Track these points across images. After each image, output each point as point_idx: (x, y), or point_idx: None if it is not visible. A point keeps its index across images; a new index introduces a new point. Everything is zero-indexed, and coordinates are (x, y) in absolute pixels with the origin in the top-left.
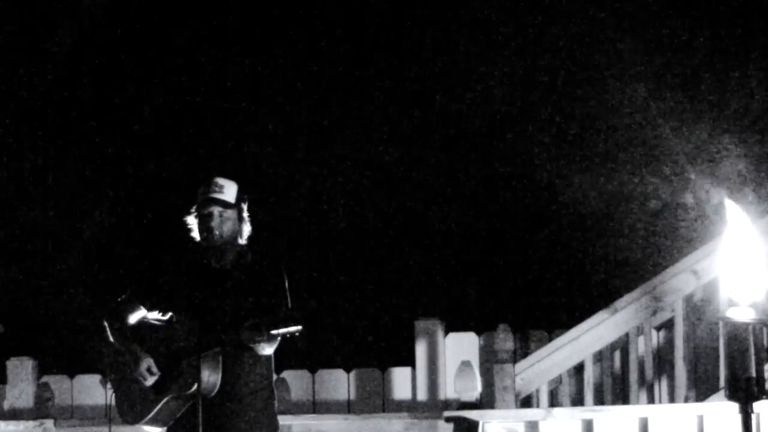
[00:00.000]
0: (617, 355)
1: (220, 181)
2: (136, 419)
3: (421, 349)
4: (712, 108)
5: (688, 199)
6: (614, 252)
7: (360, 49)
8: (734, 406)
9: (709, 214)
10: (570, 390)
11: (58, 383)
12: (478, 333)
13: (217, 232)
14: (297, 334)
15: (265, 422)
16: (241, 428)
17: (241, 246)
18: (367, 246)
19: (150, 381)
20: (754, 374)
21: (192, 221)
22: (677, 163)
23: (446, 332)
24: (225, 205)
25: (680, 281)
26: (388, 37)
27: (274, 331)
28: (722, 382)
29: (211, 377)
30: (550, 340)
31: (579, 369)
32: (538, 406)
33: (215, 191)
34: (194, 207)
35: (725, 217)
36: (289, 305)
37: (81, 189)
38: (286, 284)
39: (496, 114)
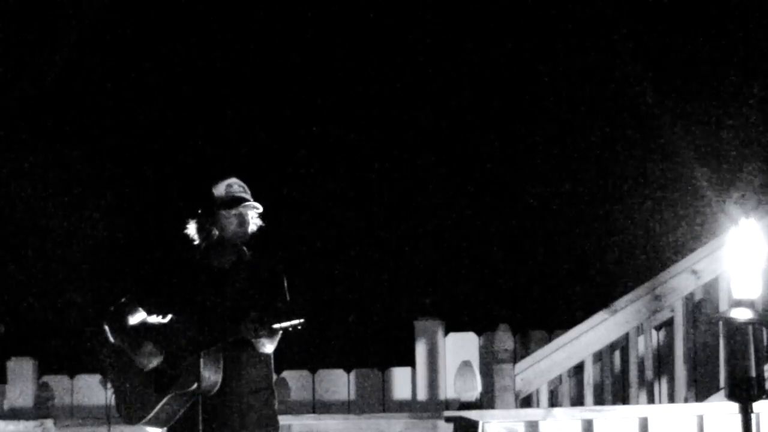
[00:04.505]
0: (617, 355)
1: (239, 181)
2: (136, 419)
3: (421, 349)
4: (716, 102)
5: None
6: (614, 252)
7: (361, 48)
8: (734, 406)
9: (728, 207)
10: (570, 390)
11: (58, 383)
12: (478, 333)
13: (248, 232)
14: (299, 327)
15: (265, 422)
16: (242, 428)
17: (241, 246)
18: (367, 246)
19: (154, 363)
20: (754, 374)
21: (193, 223)
22: (681, 161)
23: (446, 332)
24: (252, 205)
25: (680, 281)
26: (389, 34)
27: (276, 325)
28: (722, 382)
29: (211, 376)
30: (550, 340)
31: (579, 369)
32: (538, 406)
33: (242, 191)
34: (222, 206)
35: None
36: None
37: (81, 189)
38: (285, 283)
39: (495, 114)
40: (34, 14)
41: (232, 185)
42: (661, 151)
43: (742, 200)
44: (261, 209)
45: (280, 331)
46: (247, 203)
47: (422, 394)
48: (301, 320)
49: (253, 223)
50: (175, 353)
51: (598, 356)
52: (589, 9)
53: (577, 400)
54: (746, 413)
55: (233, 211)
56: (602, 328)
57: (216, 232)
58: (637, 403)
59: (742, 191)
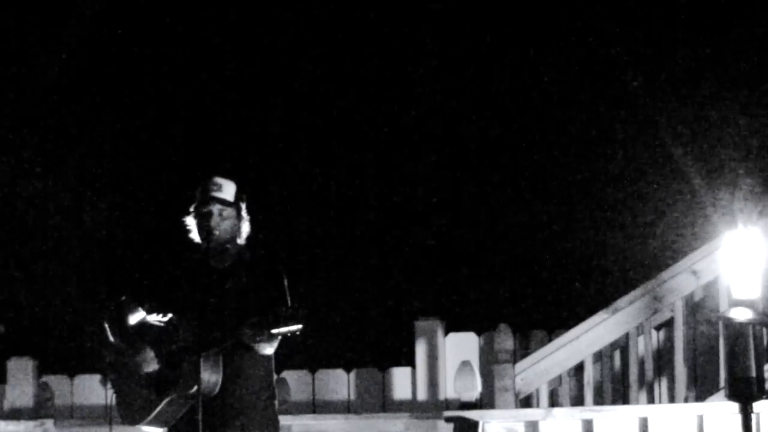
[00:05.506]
0: (617, 355)
1: (219, 179)
2: (136, 420)
3: (421, 349)
4: (715, 102)
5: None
6: (614, 252)
7: (360, 48)
8: (734, 406)
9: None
10: (570, 390)
11: (58, 383)
12: (478, 333)
13: (216, 231)
14: (298, 333)
15: (265, 422)
16: (242, 428)
17: (240, 245)
18: (368, 246)
19: (153, 366)
20: (754, 374)
21: (191, 221)
22: (681, 161)
23: (446, 332)
24: (224, 203)
25: (680, 281)
26: (388, 35)
27: (275, 330)
28: (722, 382)
29: (211, 377)
30: (550, 340)
31: (579, 369)
32: (538, 406)
33: (214, 190)
34: (193, 206)
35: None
36: (289, 304)
37: (81, 189)
38: (285, 284)
39: (495, 114)
40: (34, 14)
41: (208, 184)
42: (661, 151)
43: (746, 205)
44: (226, 205)
45: (279, 336)
46: (209, 206)
47: (422, 394)
48: (300, 326)
49: (241, 221)
50: (175, 354)
51: (598, 356)
52: (589, 10)
53: (577, 400)
54: (746, 413)
55: (204, 210)
56: (602, 328)
57: (216, 232)
58: (637, 403)
59: (746, 195)
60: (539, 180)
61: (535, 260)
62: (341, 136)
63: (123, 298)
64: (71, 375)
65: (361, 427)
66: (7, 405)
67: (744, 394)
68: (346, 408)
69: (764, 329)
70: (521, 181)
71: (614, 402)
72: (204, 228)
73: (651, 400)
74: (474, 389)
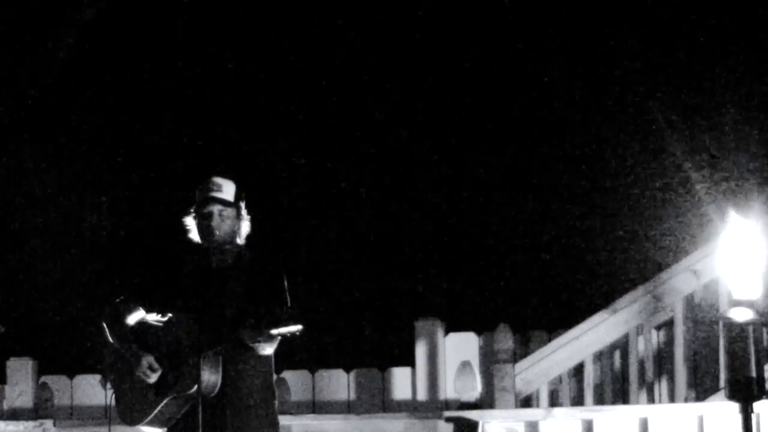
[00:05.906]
0: (617, 355)
1: (218, 180)
2: (136, 420)
3: (421, 349)
4: (716, 100)
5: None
6: (614, 252)
7: (360, 46)
8: (734, 406)
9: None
10: (570, 390)
11: (58, 383)
12: (478, 333)
13: (217, 231)
14: (297, 333)
15: (265, 422)
16: (242, 428)
17: (240, 245)
18: (367, 246)
19: (153, 378)
20: (754, 374)
21: (191, 222)
22: (681, 161)
23: (446, 332)
24: (224, 203)
25: (680, 281)
26: (389, 33)
27: (274, 331)
28: (722, 382)
29: (211, 378)
30: (550, 340)
31: (579, 369)
32: (538, 406)
33: (214, 190)
34: (193, 207)
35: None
36: (289, 305)
37: (81, 189)
38: (285, 284)
39: (495, 113)
40: (34, 14)
41: (207, 184)
42: (661, 151)
43: (741, 204)
44: (226, 205)
45: (279, 336)
46: (209, 207)
47: (422, 394)
48: (299, 327)
49: (240, 221)
50: (174, 355)
51: (598, 356)
52: (586, 10)
53: (577, 400)
54: (746, 413)
55: (204, 211)
56: (602, 328)
57: (216, 232)
58: (637, 403)
59: (742, 197)
60: (539, 180)
61: (536, 260)
62: (341, 136)
63: (122, 297)
64: (71, 375)
65: (360, 427)
66: (6, 405)
67: (744, 394)
68: (346, 408)
69: (764, 329)
70: (521, 181)
71: (614, 402)
72: (204, 228)
73: (651, 400)
74: (474, 389)
